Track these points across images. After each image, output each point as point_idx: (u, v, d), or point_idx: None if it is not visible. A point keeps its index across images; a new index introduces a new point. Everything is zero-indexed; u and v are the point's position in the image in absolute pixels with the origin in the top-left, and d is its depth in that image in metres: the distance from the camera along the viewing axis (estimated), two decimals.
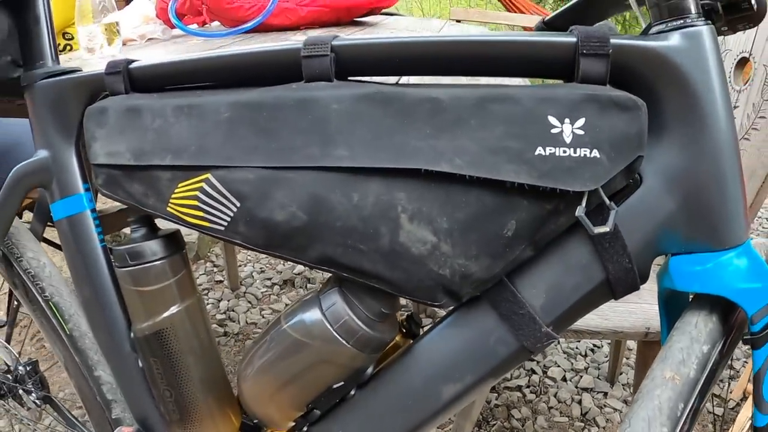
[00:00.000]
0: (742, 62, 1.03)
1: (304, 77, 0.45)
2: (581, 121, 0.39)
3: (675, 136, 0.42)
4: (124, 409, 0.68)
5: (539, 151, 0.39)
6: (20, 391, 0.90)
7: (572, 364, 1.53)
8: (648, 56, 0.41)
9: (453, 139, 0.41)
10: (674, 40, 0.41)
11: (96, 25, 0.93)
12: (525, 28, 3.92)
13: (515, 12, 4.12)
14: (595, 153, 0.39)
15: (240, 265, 1.97)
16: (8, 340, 0.95)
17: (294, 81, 0.47)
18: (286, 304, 1.86)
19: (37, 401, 0.90)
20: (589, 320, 0.90)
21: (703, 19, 0.42)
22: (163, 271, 0.55)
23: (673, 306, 0.49)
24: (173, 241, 0.57)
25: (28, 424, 1.01)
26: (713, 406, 1.34)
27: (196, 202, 0.48)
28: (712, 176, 0.42)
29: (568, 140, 0.39)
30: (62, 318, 0.69)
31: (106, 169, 0.53)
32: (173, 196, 0.49)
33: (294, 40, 1.07)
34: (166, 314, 0.55)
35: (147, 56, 0.99)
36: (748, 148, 0.96)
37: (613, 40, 0.41)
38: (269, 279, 1.96)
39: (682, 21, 0.41)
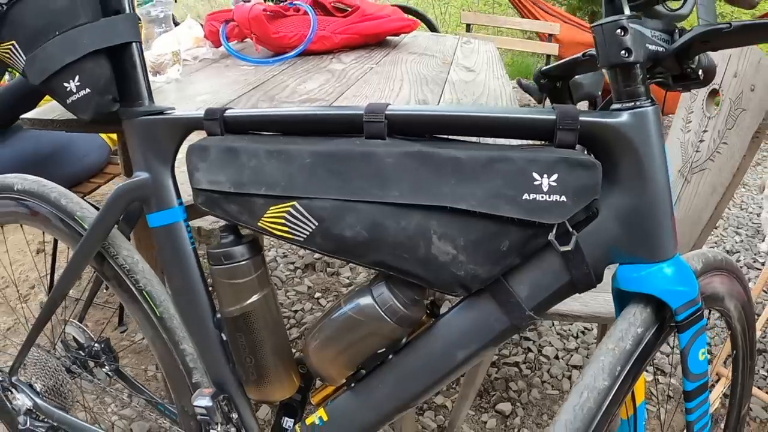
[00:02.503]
0: (713, 93, 1.26)
1: (364, 134, 0.67)
2: (555, 176, 0.60)
3: (624, 184, 0.63)
4: (203, 375, 0.90)
5: (525, 196, 0.61)
6: (92, 365, 1.13)
7: (564, 344, 1.82)
8: (606, 129, 0.61)
9: (469, 187, 0.62)
10: (626, 117, 0.61)
11: (164, 53, 1.14)
12: (540, 36, 4.10)
13: (528, 16, 4.35)
14: (563, 198, 0.60)
15: (264, 250, 2.22)
16: (81, 320, 1.17)
17: (356, 134, 0.69)
18: (309, 287, 2.11)
19: (109, 372, 1.13)
20: (574, 307, 1.13)
21: (649, 101, 0.62)
22: (248, 268, 0.78)
23: (622, 300, 0.70)
24: (255, 246, 0.79)
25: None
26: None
27: (283, 221, 0.70)
28: (648, 212, 0.62)
29: (545, 189, 0.60)
30: (154, 304, 0.90)
31: (207, 193, 0.75)
32: (265, 216, 0.71)
33: (330, 66, 1.30)
34: (250, 300, 0.78)
35: (207, 81, 1.21)
36: (712, 168, 1.18)
37: (581, 118, 0.62)
38: (292, 263, 2.21)
39: (633, 103, 0.61)
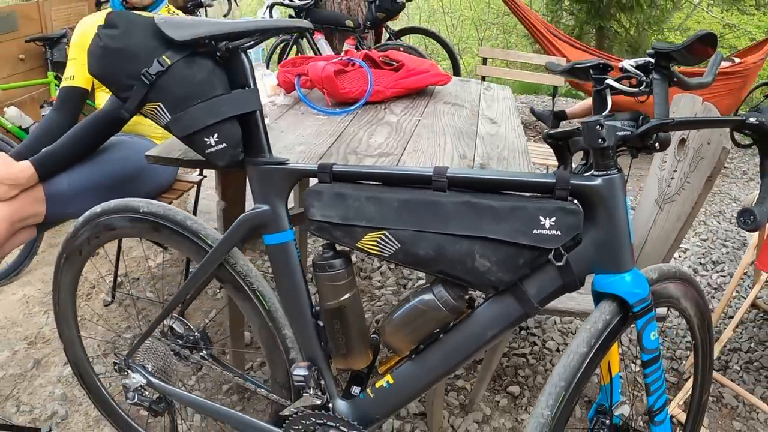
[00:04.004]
0: (682, 142, 1.66)
1: (432, 188, 1.06)
2: (554, 219, 0.98)
3: (598, 223, 1.00)
4: (298, 353, 1.28)
5: (535, 231, 0.99)
6: (185, 351, 1.51)
7: (564, 339, 2.25)
8: (587, 188, 0.99)
9: (499, 224, 1.00)
10: (600, 181, 0.98)
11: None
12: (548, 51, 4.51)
13: (542, 42, 4.79)
14: (558, 232, 0.98)
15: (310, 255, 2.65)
16: (182, 314, 1.55)
17: (426, 186, 1.08)
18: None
19: (205, 356, 1.51)
20: (569, 305, 1.54)
21: (617, 170, 1.00)
22: (345, 274, 1.17)
23: (597, 298, 1.07)
24: (348, 259, 1.19)
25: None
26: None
27: (375, 244, 1.09)
28: (613, 241, 1.00)
29: (547, 227, 0.99)
30: (264, 299, 1.28)
31: (320, 223, 1.14)
32: (362, 240, 1.10)
33: (386, 118, 1.72)
34: (345, 296, 1.17)
35: (294, 131, 1.61)
36: (678, 200, 1.57)
37: (572, 181, 1.01)
38: None
39: (605, 172, 0.99)
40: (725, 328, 2.12)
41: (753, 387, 2.12)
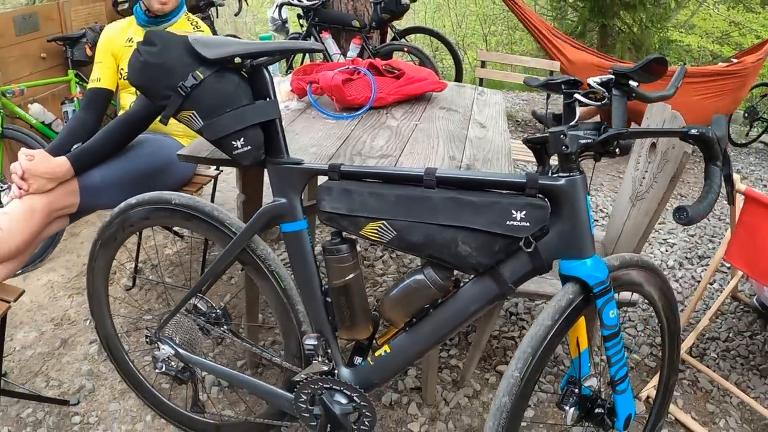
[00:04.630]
0: (653, 146, 1.87)
1: (423, 185, 1.28)
2: (524, 213, 1.20)
3: (562, 217, 1.21)
4: (308, 326, 1.50)
5: (508, 222, 1.20)
6: (209, 325, 1.73)
7: None
8: (553, 187, 1.20)
9: (479, 216, 1.21)
10: (564, 182, 1.19)
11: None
12: (549, 54, 4.72)
13: (542, 41, 4.98)
14: (527, 224, 1.19)
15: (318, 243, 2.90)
16: (205, 294, 1.77)
17: (418, 184, 1.29)
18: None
19: (226, 330, 1.73)
20: (539, 287, 1.77)
21: (578, 172, 1.21)
22: (350, 257, 1.39)
23: (563, 280, 1.28)
24: (353, 244, 1.41)
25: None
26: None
27: (376, 231, 1.31)
28: (575, 232, 1.21)
29: (518, 219, 1.20)
30: (280, 279, 1.51)
31: (329, 214, 1.36)
32: (365, 228, 1.32)
33: (387, 123, 1.94)
34: (350, 276, 1.39)
35: (307, 134, 1.84)
36: (647, 198, 1.79)
37: (540, 181, 1.23)
38: None
39: (568, 174, 1.20)
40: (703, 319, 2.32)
41: (728, 373, 2.31)
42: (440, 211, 1.27)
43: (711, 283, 2.95)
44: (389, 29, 5.43)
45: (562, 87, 1.28)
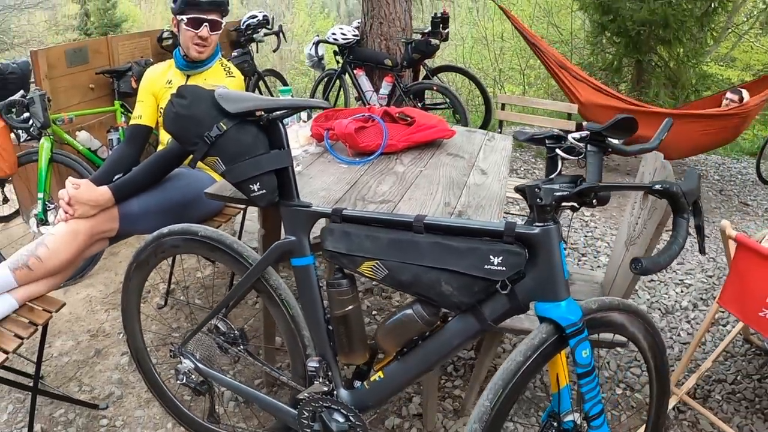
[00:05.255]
0: (645, 194, 2.01)
1: (413, 230, 1.45)
2: (501, 258, 1.35)
3: (537, 263, 1.35)
4: (312, 350, 1.68)
5: (486, 266, 1.35)
6: (227, 345, 1.91)
7: None
8: (529, 236, 1.34)
9: (460, 260, 1.37)
10: (539, 231, 1.34)
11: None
12: (569, 97, 4.86)
13: (563, 88, 5.12)
14: (504, 268, 1.34)
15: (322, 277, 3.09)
16: (226, 316, 1.97)
17: (409, 229, 1.47)
18: (368, 306, 2.95)
19: (241, 351, 1.92)
20: (525, 324, 1.90)
21: (552, 222, 1.36)
22: (350, 290, 1.56)
23: (540, 320, 1.46)
24: (353, 280, 1.59)
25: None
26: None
27: (371, 269, 1.49)
28: (549, 277, 1.35)
29: (495, 264, 1.35)
30: (289, 307, 1.70)
31: (331, 252, 1.55)
32: (362, 266, 1.49)
33: (395, 168, 2.12)
34: (349, 308, 1.56)
35: (320, 178, 2.04)
36: (638, 243, 1.93)
37: (516, 229, 1.38)
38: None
39: (543, 223, 1.35)
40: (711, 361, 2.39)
41: (731, 417, 2.36)
42: (426, 254, 1.43)
43: (724, 325, 3.02)
44: (422, 67, 5.64)
45: (546, 141, 1.43)
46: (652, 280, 3.41)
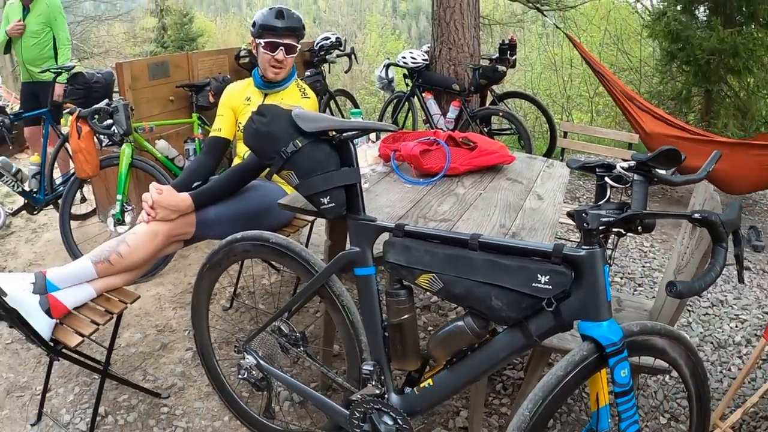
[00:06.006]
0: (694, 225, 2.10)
1: (468, 247, 1.61)
2: (548, 277, 1.47)
3: (582, 283, 1.47)
4: (368, 354, 1.82)
5: (533, 284, 1.48)
6: (288, 345, 2.08)
7: None
8: (575, 258, 1.46)
9: (511, 277, 1.50)
10: (584, 253, 1.45)
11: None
12: (635, 128, 4.89)
13: (628, 117, 5.17)
14: (550, 287, 1.46)
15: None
16: (289, 318, 2.14)
17: (465, 246, 1.62)
18: (424, 322, 3.10)
19: (301, 352, 2.09)
20: (565, 344, 2.01)
21: (598, 246, 1.49)
22: (407, 300, 1.71)
23: (583, 338, 1.58)
24: (410, 290, 1.73)
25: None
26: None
27: (428, 281, 1.64)
28: (593, 297, 1.46)
29: (542, 282, 1.47)
30: (349, 313, 1.86)
31: (391, 264, 1.70)
32: (420, 278, 1.64)
33: (456, 190, 2.27)
34: (405, 316, 1.71)
35: (385, 195, 2.21)
36: (685, 272, 2.01)
37: (564, 251, 1.51)
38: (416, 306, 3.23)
39: (589, 247, 1.48)
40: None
41: None
42: (480, 270, 1.57)
43: None
44: (489, 93, 5.77)
45: (596, 170, 1.54)
46: (706, 314, 3.44)
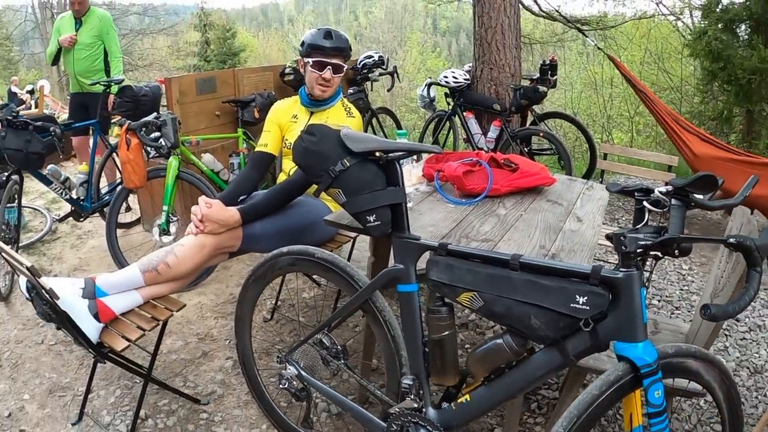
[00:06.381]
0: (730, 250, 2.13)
1: (509, 267, 1.67)
2: (586, 298, 1.52)
3: (619, 305, 1.52)
4: (408, 369, 1.88)
5: (571, 304, 1.53)
6: (329, 357, 2.16)
7: None
8: (612, 280, 1.51)
9: (549, 297, 1.56)
10: (622, 275, 1.50)
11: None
12: (679, 149, 4.88)
13: (673, 139, 5.17)
14: (588, 308, 1.51)
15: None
16: (330, 331, 2.23)
17: (505, 266, 1.69)
18: (462, 339, 3.16)
19: (342, 365, 2.16)
20: (601, 365, 2.06)
21: (635, 268, 1.54)
22: (448, 317, 1.77)
23: (618, 359, 1.63)
24: (451, 308, 1.79)
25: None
26: None
27: (468, 299, 1.71)
28: (629, 319, 1.51)
29: (581, 303, 1.52)
30: (391, 328, 1.92)
31: (434, 281, 1.78)
32: (461, 296, 1.71)
33: (497, 211, 2.34)
34: (445, 333, 1.77)
35: (428, 215, 2.29)
36: (721, 296, 2.05)
37: (602, 273, 1.57)
38: None
39: (626, 269, 1.53)
40: None
41: None
42: (519, 289, 1.63)
43: None
44: (529, 113, 5.83)
45: (635, 194, 1.60)
46: (744, 338, 3.44)
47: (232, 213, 2.49)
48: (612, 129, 10.70)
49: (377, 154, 1.88)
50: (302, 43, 2.83)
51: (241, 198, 2.69)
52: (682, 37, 9.28)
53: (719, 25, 6.45)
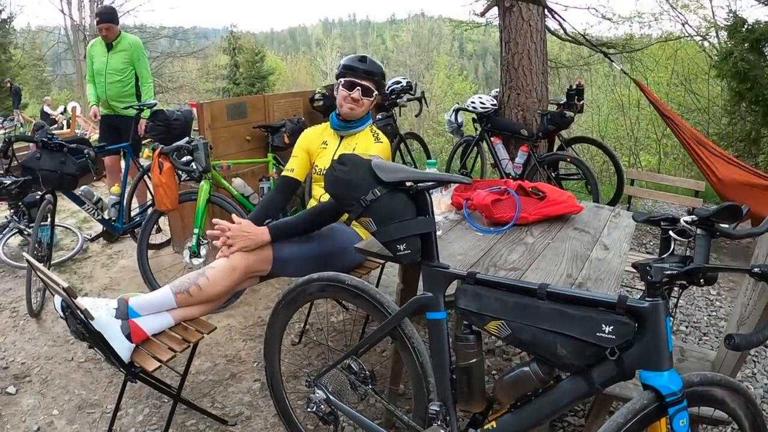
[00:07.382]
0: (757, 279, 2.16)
1: (537, 296, 1.71)
2: (611, 327, 1.56)
3: (644, 334, 1.56)
4: (435, 395, 1.92)
5: (598, 334, 1.57)
6: (357, 382, 2.21)
7: None
8: (638, 309, 1.55)
9: (575, 326, 1.60)
10: (647, 305, 1.54)
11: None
12: (705, 174, 4.87)
13: (698, 163, 5.18)
14: (613, 337, 1.55)
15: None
16: (359, 357, 2.28)
17: (534, 296, 1.72)
18: (488, 365, 3.18)
19: (370, 390, 2.21)
20: (627, 393, 2.08)
21: (660, 297, 1.57)
22: (476, 345, 1.82)
23: (644, 388, 1.66)
24: (479, 335, 1.84)
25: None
26: None
27: (496, 327, 1.75)
28: (654, 348, 1.55)
29: (606, 332, 1.56)
30: (419, 354, 1.96)
31: (462, 309, 1.82)
32: (488, 324, 1.76)
33: (525, 239, 2.38)
34: (473, 360, 1.82)
35: (457, 243, 2.35)
36: (747, 323, 2.07)
37: (628, 302, 1.61)
38: None
39: (652, 298, 1.56)
40: None
41: None
42: (546, 318, 1.68)
43: None
44: (556, 138, 5.87)
45: (661, 224, 1.64)
46: None
47: (262, 230, 2.58)
48: (639, 151, 10.67)
49: (407, 183, 1.93)
50: (339, 66, 2.94)
51: (267, 221, 2.76)
52: (709, 58, 9.28)
53: (745, 45, 6.46)
